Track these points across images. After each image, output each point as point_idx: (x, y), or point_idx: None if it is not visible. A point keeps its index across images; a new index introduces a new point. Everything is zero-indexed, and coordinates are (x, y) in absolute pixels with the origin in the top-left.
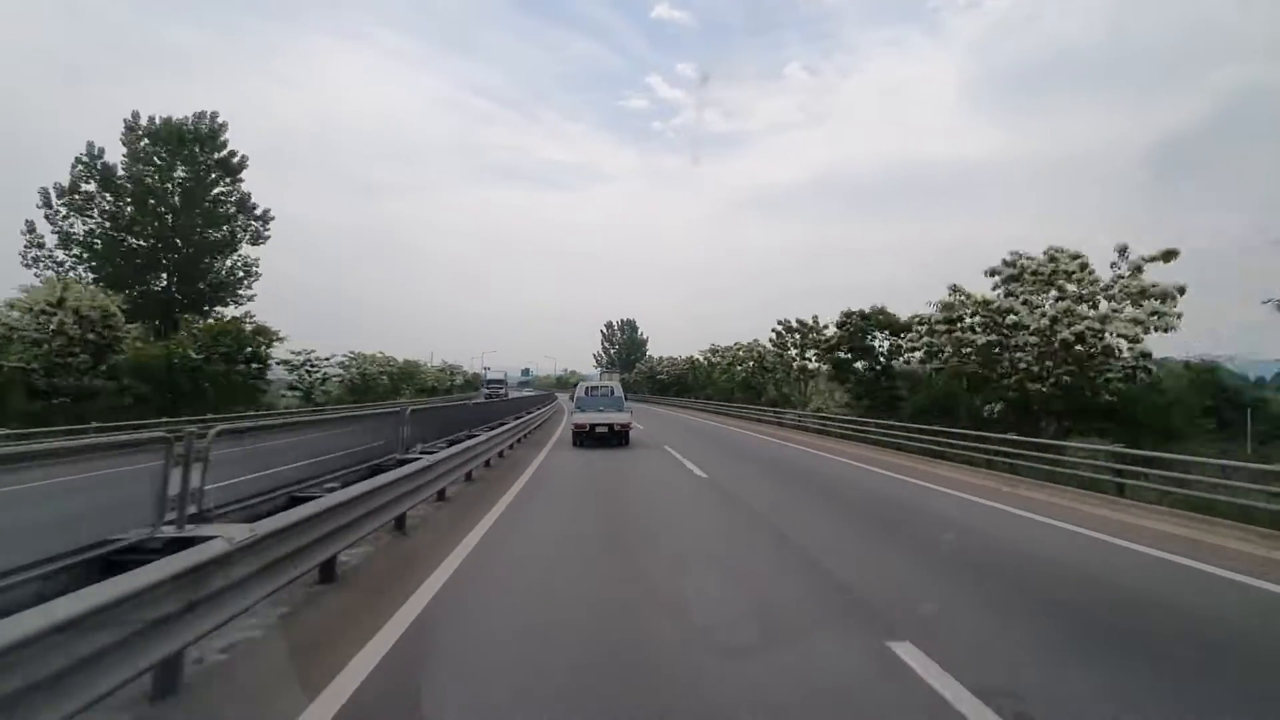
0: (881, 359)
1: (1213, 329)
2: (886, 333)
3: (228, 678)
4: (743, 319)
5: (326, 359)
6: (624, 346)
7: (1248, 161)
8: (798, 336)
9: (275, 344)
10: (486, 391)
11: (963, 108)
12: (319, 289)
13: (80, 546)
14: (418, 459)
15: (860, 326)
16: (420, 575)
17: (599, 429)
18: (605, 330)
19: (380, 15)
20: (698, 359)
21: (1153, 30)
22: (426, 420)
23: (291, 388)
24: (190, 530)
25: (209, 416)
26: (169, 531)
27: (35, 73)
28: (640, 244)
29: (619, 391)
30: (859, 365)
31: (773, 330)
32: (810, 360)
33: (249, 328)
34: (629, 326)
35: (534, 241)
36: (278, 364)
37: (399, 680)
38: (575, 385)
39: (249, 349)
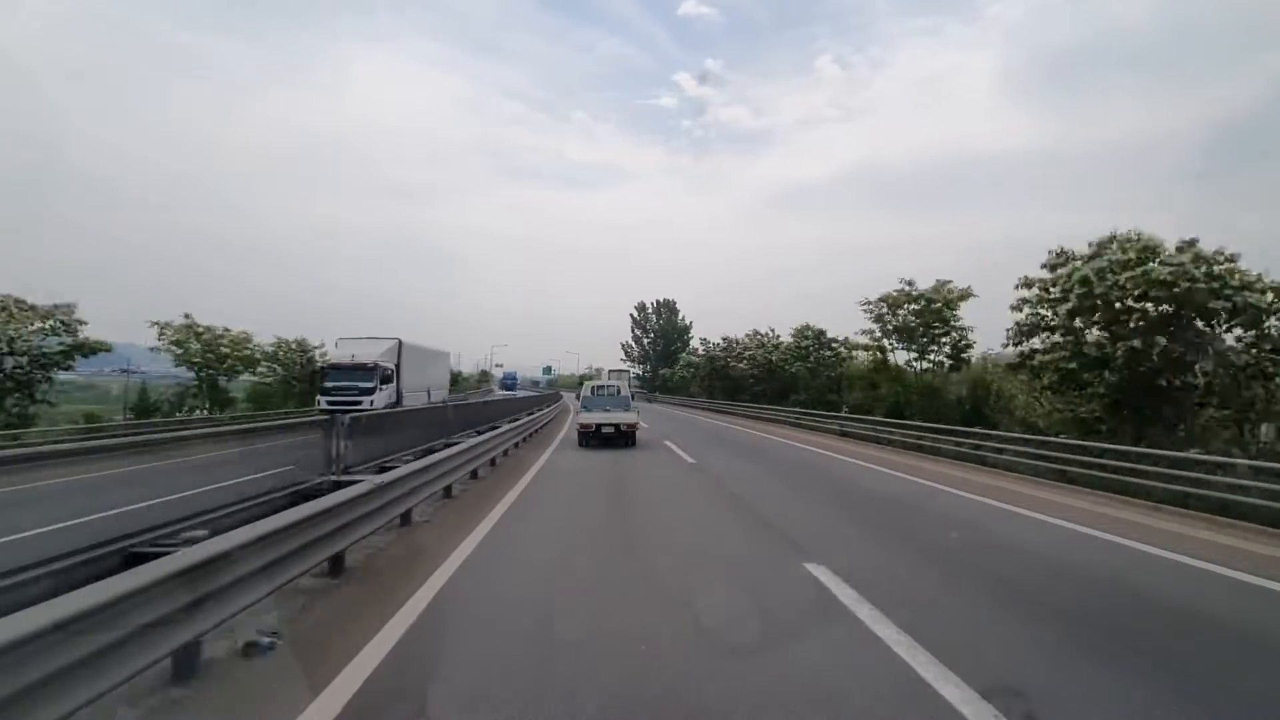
0: None
1: None
2: None
3: None
4: (773, 315)
5: None
6: (661, 334)
7: None
8: None
9: None
10: (327, 399)
11: (1003, 97)
12: (349, 290)
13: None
14: None
15: None
16: None
17: (605, 429)
18: (636, 314)
19: (408, 20)
20: (837, 339)
21: (1203, 8)
22: None
23: None
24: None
25: None
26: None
27: (82, 88)
28: (668, 242)
29: (626, 391)
30: None
31: None
32: None
33: None
34: (667, 308)
35: (561, 240)
36: None
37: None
38: (581, 385)
39: None
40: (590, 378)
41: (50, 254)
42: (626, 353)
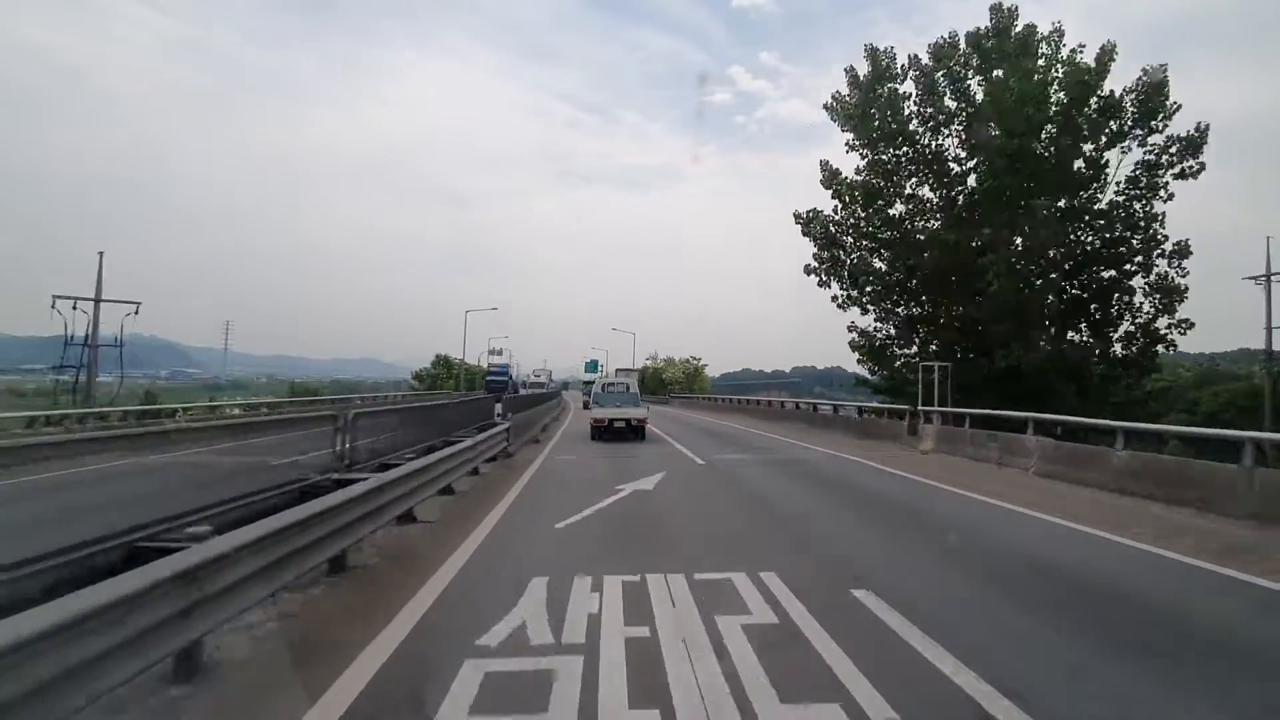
0: None
1: None
2: None
3: None
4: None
5: None
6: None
7: None
8: None
9: None
10: None
11: None
12: (414, 301)
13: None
14: None
15: None
16: None
17: (617, 424)
18: (850, 81)
19: (466, 29)
20: None
21: None
22: None
23: None
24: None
25: None
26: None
27: (162, 105)
28: (724, 241)
29: (634, 388)
30: None
31: None
32: None
33: None
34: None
35: (612, 242)
36: None
37: None
38: (590, 384)
39: None
40: (621, 372)
41: (117, 259)
42: (819, 261)
